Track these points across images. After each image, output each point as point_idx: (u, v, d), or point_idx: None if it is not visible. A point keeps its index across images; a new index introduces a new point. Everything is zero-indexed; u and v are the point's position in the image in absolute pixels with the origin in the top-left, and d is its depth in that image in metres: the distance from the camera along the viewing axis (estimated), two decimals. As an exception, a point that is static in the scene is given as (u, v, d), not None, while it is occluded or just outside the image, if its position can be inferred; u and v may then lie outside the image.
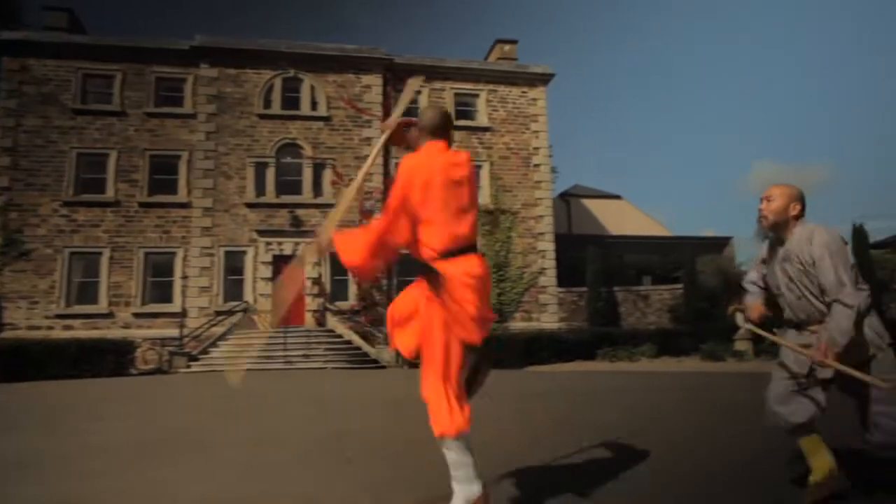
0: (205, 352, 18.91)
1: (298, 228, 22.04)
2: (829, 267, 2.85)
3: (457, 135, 24.26)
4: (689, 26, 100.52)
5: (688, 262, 22.29)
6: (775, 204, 3.06)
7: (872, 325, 2.96)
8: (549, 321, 23.06)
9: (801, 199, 3.07)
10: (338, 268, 22.31)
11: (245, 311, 21.04)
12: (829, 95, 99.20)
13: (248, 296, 21.38)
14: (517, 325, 22.59)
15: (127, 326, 20.37)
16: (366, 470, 4.12)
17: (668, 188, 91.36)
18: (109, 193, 21.30)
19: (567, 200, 31.20)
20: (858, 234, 17.93)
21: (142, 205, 21.44)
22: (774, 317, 3.23)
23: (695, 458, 4.20)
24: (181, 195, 21.82)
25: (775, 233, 3.11)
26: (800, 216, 3.06)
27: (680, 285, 22.83)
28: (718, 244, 29.75)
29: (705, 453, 4.38)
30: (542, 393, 9.16)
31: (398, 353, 18.62)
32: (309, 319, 21.53)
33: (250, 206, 21.96)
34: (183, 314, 19.80)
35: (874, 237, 20.76)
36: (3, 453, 4.85)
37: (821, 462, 2.94)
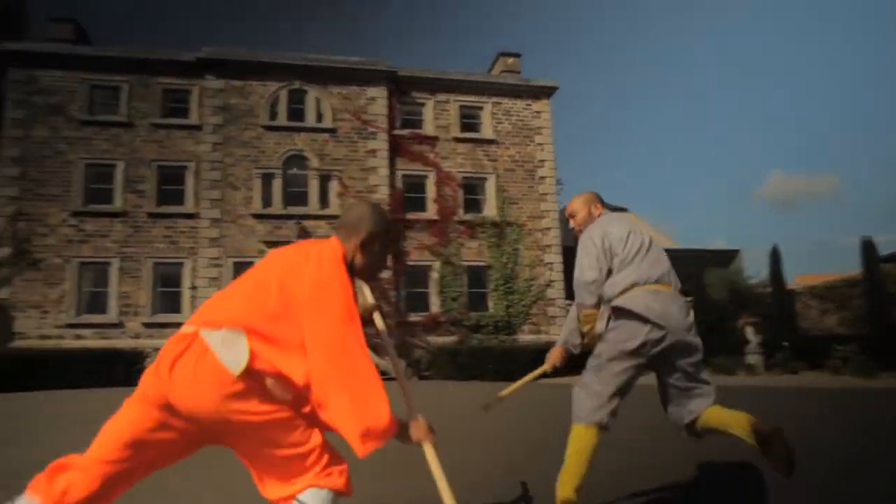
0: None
1: (306, 239, 21.93)
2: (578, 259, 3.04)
3: (463, 147, 24.40)
4: (699, 35, 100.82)
5: (695, 274, 22.09)
6: (579, 216, 3.27)
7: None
8: (557, 333, 22.79)
9: (598, 200, 3.25)
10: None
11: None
12: (842, 108, 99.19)
13: (255, 307, 21.25)
14: (526, 337, 22.46)
15: (137, 336, 20.31)
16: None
17: (678, 199, 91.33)
18: (117, 203, 21.32)
19: (574, 213, 31.00)
20: (868, 247, 17.43)
21: (150, 215, 21.45)
22: None
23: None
24: (188, 206, 21.82)
25: None
26: (602, 213, 3.19)
27: (689, 298, 22.61)
28: (727, 256, 29.57)
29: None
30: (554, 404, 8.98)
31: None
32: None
33: (257, 216, 21.95)
34: (190, 325, 19.65)
35: (884, 250, 20.42)
36: None
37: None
